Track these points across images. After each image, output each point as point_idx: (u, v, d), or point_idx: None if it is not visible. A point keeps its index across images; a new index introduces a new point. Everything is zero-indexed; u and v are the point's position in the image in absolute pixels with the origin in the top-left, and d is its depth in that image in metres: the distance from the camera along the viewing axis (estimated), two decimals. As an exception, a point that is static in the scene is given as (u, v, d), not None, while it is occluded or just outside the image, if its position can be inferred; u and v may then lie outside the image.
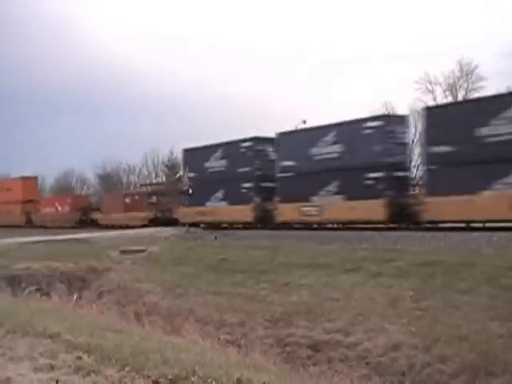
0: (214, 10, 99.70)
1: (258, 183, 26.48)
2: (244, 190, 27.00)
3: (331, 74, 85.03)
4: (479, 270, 12.28)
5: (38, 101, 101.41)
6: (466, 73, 46.16)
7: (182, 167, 36.09)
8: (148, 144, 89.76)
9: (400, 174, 21.91)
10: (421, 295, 11.77)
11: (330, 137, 23.01)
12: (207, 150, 29.69)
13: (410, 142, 23.72)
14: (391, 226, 21.14)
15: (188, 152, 31.84)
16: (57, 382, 4.93)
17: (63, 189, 72.50)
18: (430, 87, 47.39)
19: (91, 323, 9.00)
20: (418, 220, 20.30)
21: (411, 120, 23.86)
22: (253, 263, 17.05)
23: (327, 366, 10.30)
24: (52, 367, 5.42)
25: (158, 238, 25.48)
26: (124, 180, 71.58)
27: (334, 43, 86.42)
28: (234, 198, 27.51)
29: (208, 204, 29.24)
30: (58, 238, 28.57)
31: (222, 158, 28.55)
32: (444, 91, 47.22)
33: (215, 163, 28.95)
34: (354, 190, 21.90)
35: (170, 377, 4.97)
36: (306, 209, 23.81)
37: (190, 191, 29.31)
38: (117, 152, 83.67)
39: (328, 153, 23.06)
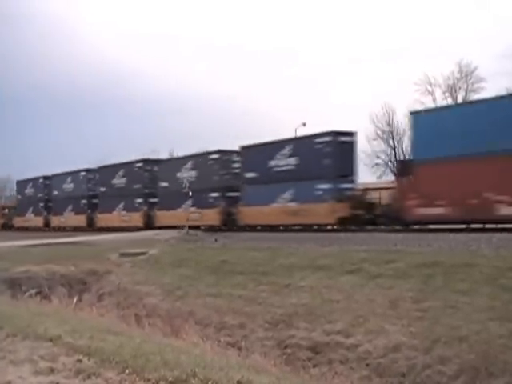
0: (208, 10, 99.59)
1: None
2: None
3: (329, 75, 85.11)
4: (479, 270, 12.28)
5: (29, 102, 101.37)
6: (466, 74, 46.18)
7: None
8: (147, 145, 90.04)
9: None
10: (421, 296, 11.77)
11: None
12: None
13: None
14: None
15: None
16: (57, 384, 4.94)
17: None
18: (429, 89, 47.40)
19: (91, 326, 9.00)
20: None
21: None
22: (253, 265, 17.05)
23: (327, 367, 10.29)
24: (52, 370, 5.42)
25: (158, 241, 25.46)
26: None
27: (332, 44, 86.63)
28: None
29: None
30: (58, 240, 28.57)
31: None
32: (444, 93, 47.22)
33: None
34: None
35: (170, 379, 4.98)
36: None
37: (190, 193, 29.94)
38: (116, 153, 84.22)
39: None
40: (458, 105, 22.12)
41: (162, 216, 33.10)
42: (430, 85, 47.17)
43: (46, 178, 46.79)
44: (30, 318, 8.70)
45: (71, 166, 44.88)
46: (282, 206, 25.81)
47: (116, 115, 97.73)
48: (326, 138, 24.35)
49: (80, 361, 5.72)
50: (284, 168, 26.06)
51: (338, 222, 23.73)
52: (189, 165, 31.93)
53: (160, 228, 31.32)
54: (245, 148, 28.93)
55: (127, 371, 5.24)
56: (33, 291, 16.58)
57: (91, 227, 38.80)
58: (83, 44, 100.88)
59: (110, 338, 7.44)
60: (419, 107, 37.58)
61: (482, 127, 18.40)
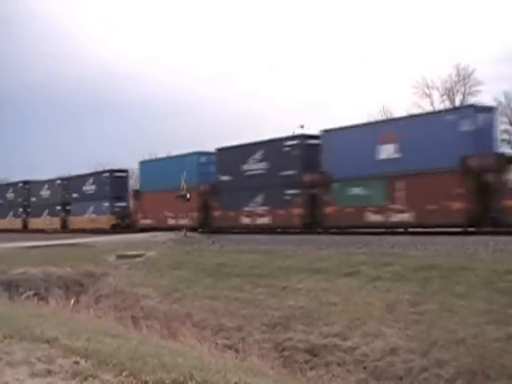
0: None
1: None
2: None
3: (330, 75, 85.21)
4: (476, 273, 12.30)
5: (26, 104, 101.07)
6: (463, 77, 46.26)
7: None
8: (146, 148, 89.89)
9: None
10: (418, 299, 11.79)
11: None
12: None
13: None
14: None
15: None
16: (54, 386, 4.92)
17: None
18: (427, 91, 47.47)
19: (88, 328, 9.00)
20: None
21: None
22: (250, 267, 17.05)
23: (325, 370, 10.30)
24: (49, 372, 5.41)
25: (155, 243, 25.44)
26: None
27: (330, 44, 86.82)
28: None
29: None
30: (56, 242, 28.53)
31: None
32: (441, 95, 47.30)
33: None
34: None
35: (167, 381, 4.97)
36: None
37: (188, 196, 30.48)
38: (115, 156, 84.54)
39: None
40: (156, 159, 35.11)
41: (33, 221, 47.08)
42: (428, 88, 47.30)
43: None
44: (27, 320, 8.68)
45: (71, 167, 47.29)
46: (88, 217, 39.88)
47: (114, 117, 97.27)
48: (107, 174, 38.86)
49: (77, 363, 5.71)
50: (89, 192, 40.23)
51: (111, 228, 36.37)
52: (46, 186, 46.35)
53: (34, 230, 43.66)
54: (70, 178, 44.44)
55: (124, 373, 5.23)
56: (30, 293, 16.57)
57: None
58: (78, 45, 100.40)
59: (107, 340, 7.43)
60: (417, 110, 37.82)
61: (162, 174, 32.16)
